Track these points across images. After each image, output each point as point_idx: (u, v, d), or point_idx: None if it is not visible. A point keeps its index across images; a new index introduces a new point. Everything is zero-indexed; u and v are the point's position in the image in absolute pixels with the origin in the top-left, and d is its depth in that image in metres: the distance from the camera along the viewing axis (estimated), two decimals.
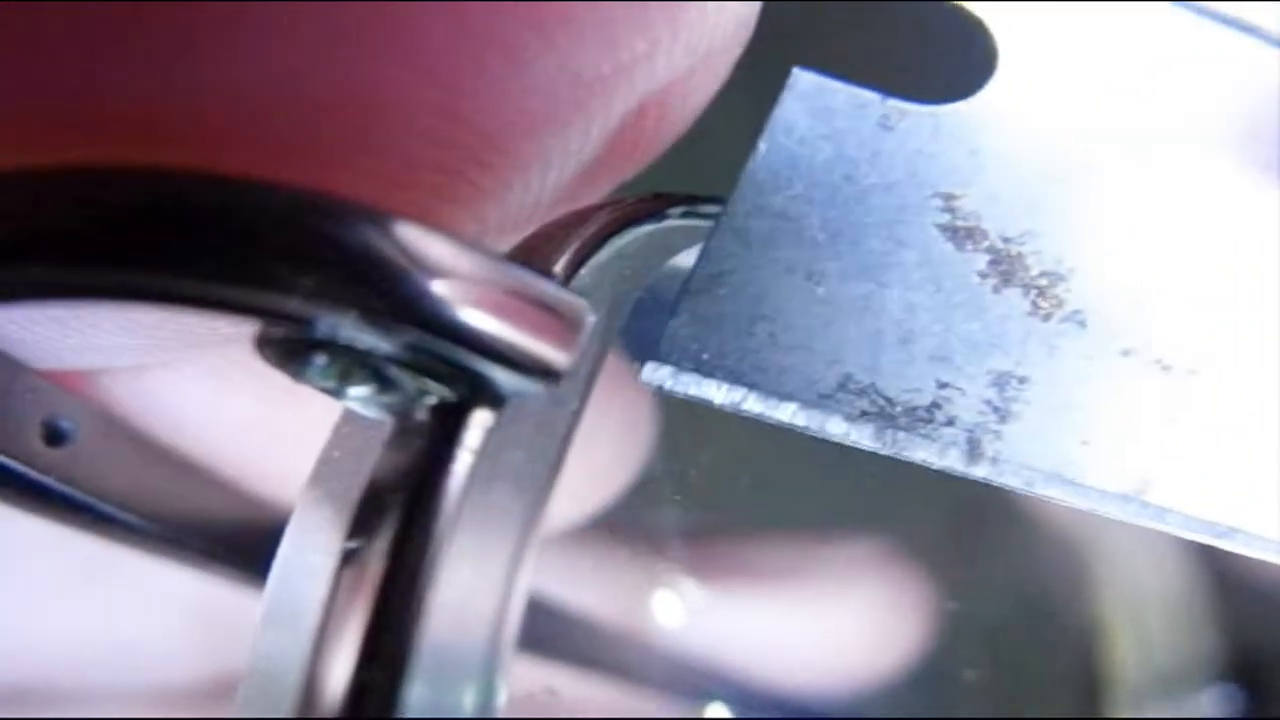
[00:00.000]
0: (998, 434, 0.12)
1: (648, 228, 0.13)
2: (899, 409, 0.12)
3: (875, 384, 0.12)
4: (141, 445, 0.14)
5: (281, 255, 0.09)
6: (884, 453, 0.12)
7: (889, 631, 0.19)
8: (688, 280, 0.12)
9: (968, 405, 0.12)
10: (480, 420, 0.10)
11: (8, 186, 0.09)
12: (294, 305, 0.09)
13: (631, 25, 0.11)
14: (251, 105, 0.10)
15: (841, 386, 0.12)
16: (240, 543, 0.15)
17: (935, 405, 0.12)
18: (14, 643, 0.16)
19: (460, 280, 0.10)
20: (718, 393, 0.12)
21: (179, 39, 0.10)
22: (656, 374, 0.12)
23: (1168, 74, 0.13)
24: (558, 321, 0.10)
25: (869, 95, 0.12)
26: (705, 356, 0.12)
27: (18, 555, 0.15)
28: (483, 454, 0.10)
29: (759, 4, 0.12)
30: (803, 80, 0.12)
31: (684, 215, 0.13)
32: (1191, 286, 0.12)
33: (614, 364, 0.12)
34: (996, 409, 0.12)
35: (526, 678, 0.17)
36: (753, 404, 0.12)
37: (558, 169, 0.11)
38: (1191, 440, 0.12)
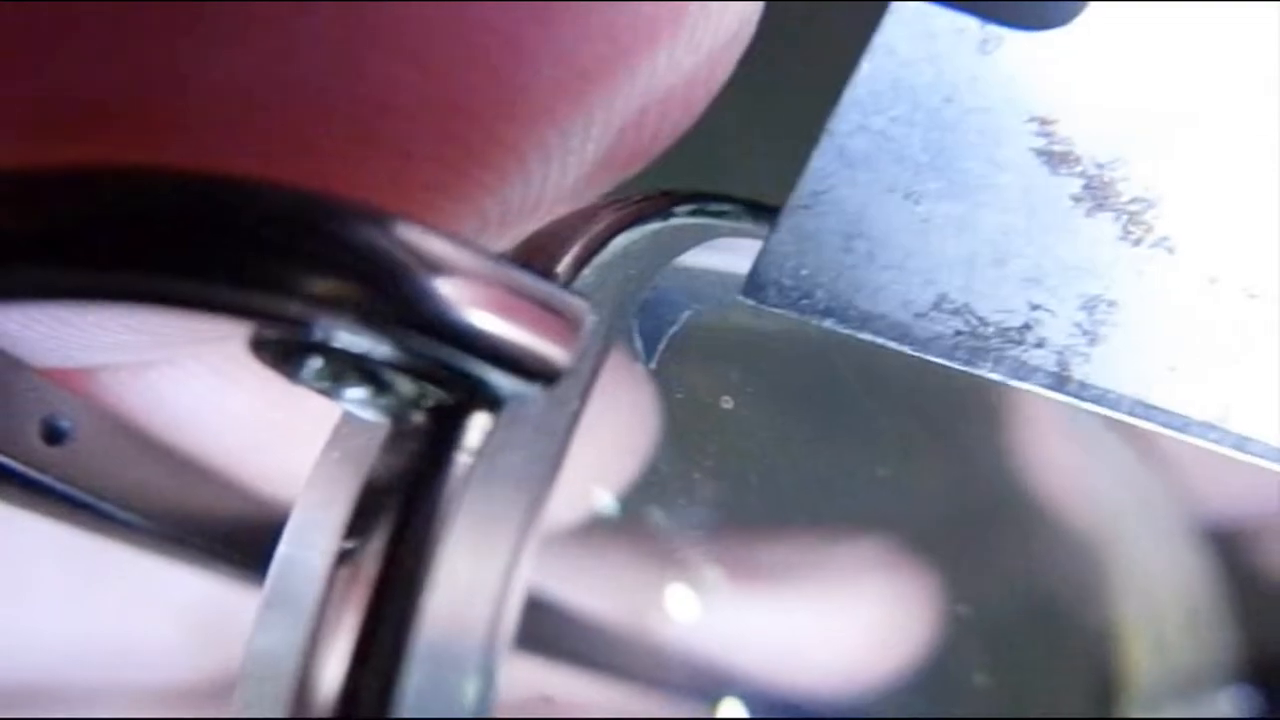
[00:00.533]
0: (1086, 357, 0.12)
1: (653, 226, 0.12)
2: (991, 329, 0.12)
3: (969, 304, 0.12)
4: (141, 443, 0.14)
5: (276, 257, 0.09)
6: (975, 372, 0.12)
7: (896, 631, 0.18)
8: (790, 199, 0.12)
9: (1058, 327, 0.12)
10: (478, 423, 0.10)
11: (6, 186, 0.09)
12: (288, 307, 0.09)
13: (634, 21, 0.11)
14: (249, 101, 0.10)
15: (936, 306, 0.12)
16: (240, 541, 0.15)
17: (1027, 326, 0.12)
18: (12, 642, 0.16)
19: (457, 281, 0.09)
20: (815, 310, 0.12)
21: (177, 37, 0.10)
22: (757, 292, 0.12)
23: (1263, 12, 0.13)
24: (557, 322, 0.10)
25: (969, 20, 0.12)
26: (804, 273, 0.12)
27: (16, 554, 0.15)
28: (480, 456, 0.10)
29: (763, 1, 0.12)
30: (904, 6, 0.12)
31: (691, 214, 0.13)
32: (1279, 217, 0.12)
33: (617, 362, 0.12)
34: (1086, 332, 0.12)
35: (531, 679, 0.17)
36: (850, 321, 0.12)
37: (559, 165, 0.11)
38: (1275, 370, 0.12)
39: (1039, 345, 0.12)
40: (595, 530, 0.17)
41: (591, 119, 0.11)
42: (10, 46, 0.10)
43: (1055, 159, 0.12)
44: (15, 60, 0.10)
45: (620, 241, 0.12)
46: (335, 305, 0.09)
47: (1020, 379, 0.12)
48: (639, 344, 0.14)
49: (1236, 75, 0.12)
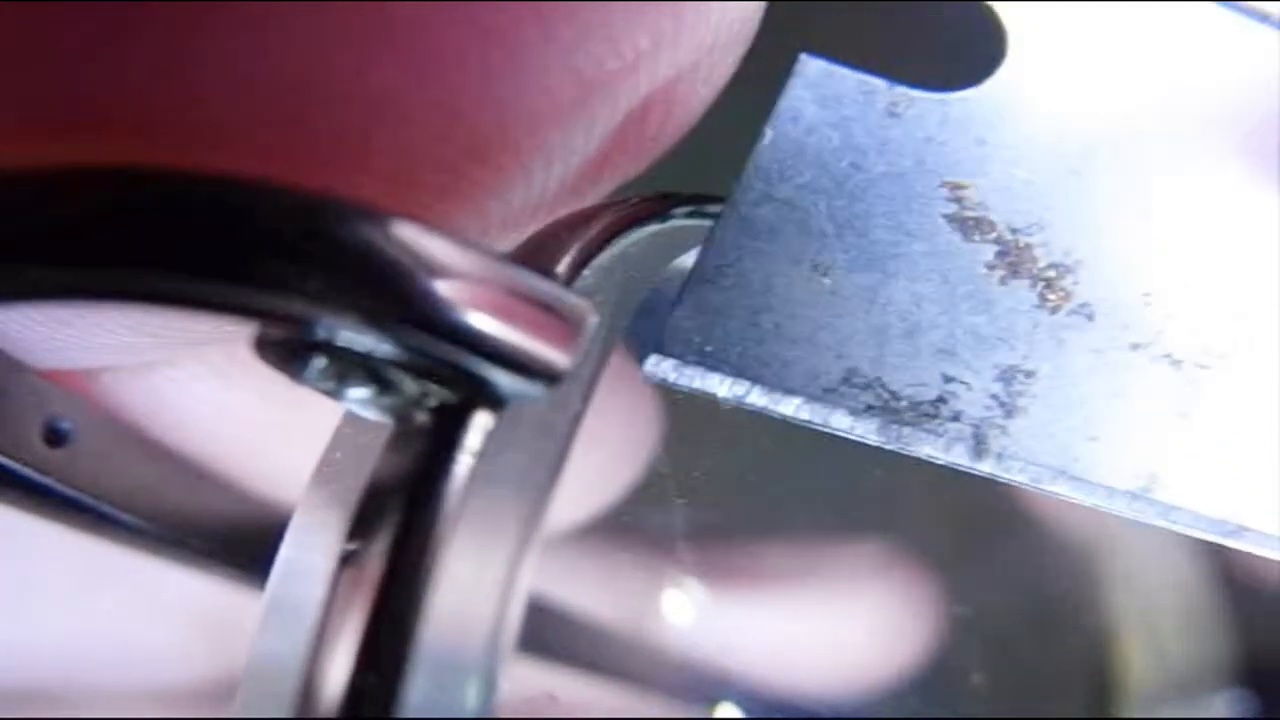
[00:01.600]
0: (1004, 429, 0.12)
1: (653, 228, 0.12)
2: (904, 403, 0.12)
3: (881, 378, 0.12)
4: (142, 445, 0.14)
5: (280, 257, 0.09)
6: (889, 447, 0.12)
7: (895, 634, 0.18)
8: (692, 270, 0.12)
9: (974, 400, 0.12)
10: (480, 423, 0.10)
11: (9, 186, 0.09)
12: (292, 307, 0.09)
13: (634, 21, 0.11)
14: (253, 103, 0.10)
15: (846, 380, 0.12)
16: (241, 543, 0.15)
17: (941, 400, 0.12)
18: (12, 642, 0.16)
19: (460, 282, 0.09)
20: (721, 386, 0.12)
21: (179, 38, 0.10)
22: (659, 367, 0.12)
23: (1177, 64, 0.12)
24: (559, 323, 0.10)
25: (877, 82, 0.12)
26: (709, 349, 0.12)
27: (18, 556, 0.15)
28: (483, 456, 0.10)
29: (764, 1, 0.12)
30: (810, 66, 0.12)
31: (689, 215, 0.13)
32: (1202, 280, 0.12)
33: (618, 364, 0.12)
34: (1003, 404, 0.12)
35: (531, 681, 0.17)
36: (757, 398, 0.12)
37: (561, 166, 0.11)
38: (1200, 436, 0.12)
39: (954, 419, 0.12)
40: (596, 532, 0.17)
41: (593, 120, 0.11)
42: (11, 46, 0.10)
43: (968, 224, 0.12)
44: (16, 60, 0.10)
45: (620, 243, 0.12)
46: (339, 304, 0.09)
47: (936, 453, 0.12)
48: (638, 345, 0.14)
49: (1154, 138, 0.12)
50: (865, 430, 0.12)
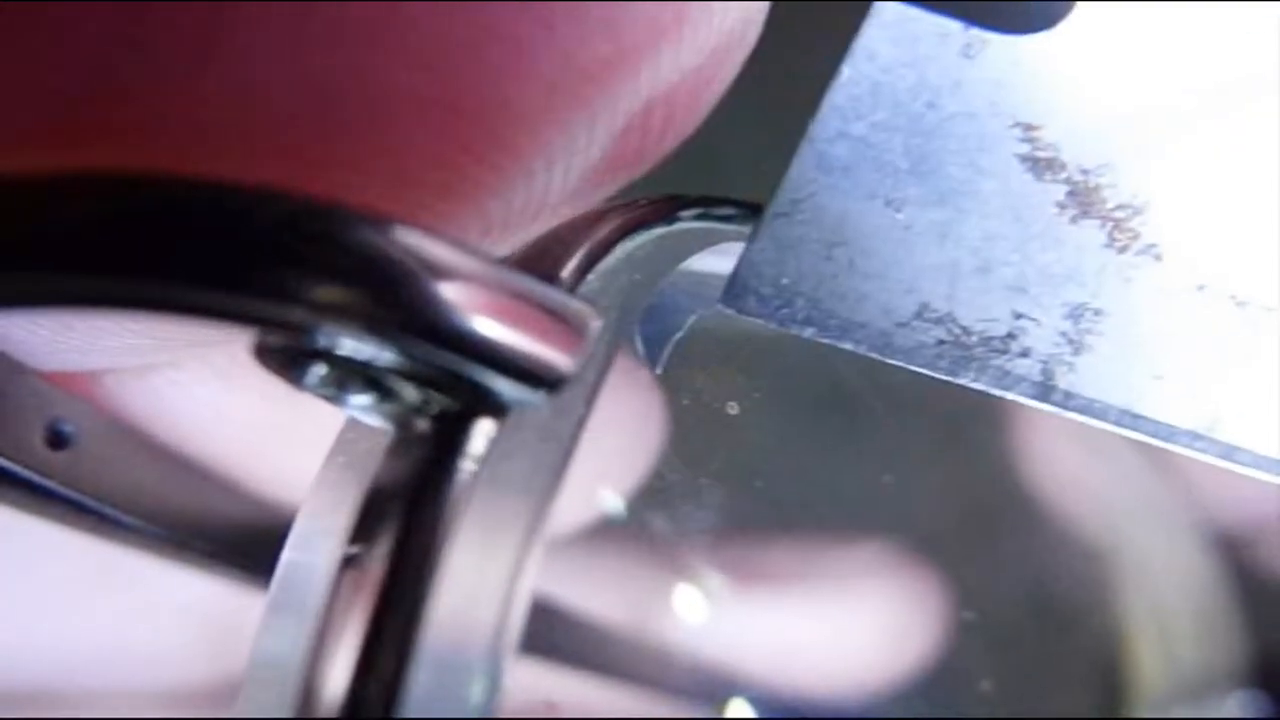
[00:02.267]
0: (1071, 366, 0.12)
1: (659, 231, 0.12)
2: (975, 338, 0.12)
3: (952, 313, 0.12)
4: (145, 447, 0.14)
5: (281, 263, 0.09)
6: (958, 381, 0.12)
7: (902, 636, 0.18)
8: (768, 205, 0.12)
9: (1043, 336, 0.12)
10: (482, 430, 0.10)
11: (10, 191, 0.09)
12: (293, 315, 0.09)
13: (636, 20, 0.11)
14: (250, 103, 0.10)
15: (919, 315, 0.12)
16: (244, 545, 0.15)
17: (1011, 335, 0.12)
18: (18, 645, 0.16)
19: (461, 289, 0.09)
20: (795, 319, 0.12)
21: (178, 41, 0.10)
22: (736, 301, 0.12)
23: (1250, 15, 0.12)
24: (561, 329, 0.10)
25: (952, 24, 0.12)
26: (784, 281, 0.12)
27: (21, 558, 0.15)
28: (485, 462, 0.10)
29: (768, 2, 0.12)
30: (886, 9, 0.12)
31: (696, 218, 0.13)
32: (1268, 222, 0.12)
33: (624, 367, 0.12)
34: (1071, 341, 0.12)
35: (536, 684, 0.17)
36: (831, 331, 0.12)
37: (563, 166, 0.11)
38: (1264, 378, 0.12)
39: (1023, 355, 0.12)
40: (602, 535, 0.17)
41: (595, 120, 0.11)
42: (14, 49, 0.10)
43: (1040, 165, 0.12)
44: (19, 63, 0.10)
45: (625, 246, 0.12)
46: (340, 312, 0.09)
47: (1004, 389, 0.12)
48: (644, 349, 0.13)
49: (1223, 79, 0.12)
50: (936, 365, 0.12)
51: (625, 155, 0.12)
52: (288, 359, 0.10)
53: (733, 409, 0.15)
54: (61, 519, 0.13)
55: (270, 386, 0.14)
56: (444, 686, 0.10)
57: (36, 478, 0.12)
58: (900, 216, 0.12)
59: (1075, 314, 0.12)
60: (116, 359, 0.13)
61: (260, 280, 0.09)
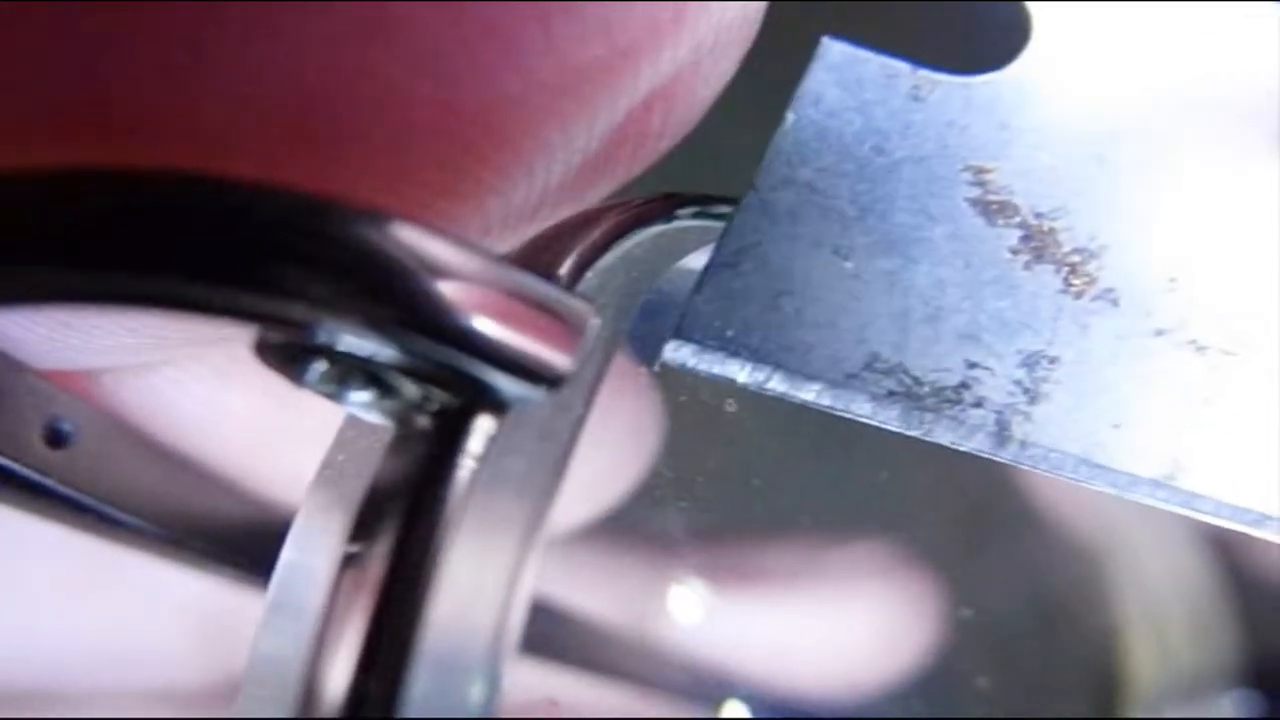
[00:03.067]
0: (1027, 415, 0.11)
1: (656, 229, 0.12)
2: (926, 389, 0.11)
3: (903, 363, 0.12)
4: (143, 446, 0.14)
5: (281, 260, 0.09)
6: (910, 434, 0.12)
7: (899, 634, 0.18)
8: (713, 255, 0.12)
9: (997, 386, 0.12)
10: (482, 427, 0.10)
11: (10, 187, 0.09)
12: (293, 311, 0.09)
13: (635, 19, 0.11)
14: (253, 102, 0.10)
15: (868, 365, 0.12)
16: (243, 544, 0.15)
17: (964, 385, 0.12)
18: (16, 644, 0.16)
19: (461, 286, 0.09)
20: (741, 372, 0.12)
21: (179, 40, 0.10)
22: (679, 352, 0.12)
23: (1204, 50, 0.12)
24: (560, 326, 0.10)
25: (900, 65, 0.12)
26: (729, 334, 0.11)
27: (20, 557, 0.15)
28: (484, 460, 0.10)
29: (765, 1, 0.12)
30: (832, 50, 0.12)
31: (694, 216, 0.13)
32: (1227, 267, 0.12)
33: (622, 365, 0.12)
34: (1026, 390, 0.12)
35: (534, 683, 0.17)
36: (777, 383, 0.12)
37: (562, 164, 0.11)
38: (1225, 424, 0.11)
39: (977, 405, 0.11)
40: (601, 533, 0.17)
41: (594, 118, 0.11)
42: (14, 47, 0.10)
43: (992, 209, 0.12)
44: (19, 60, 0.10)
45: (623, 244, 0.12)
46: (340, 308, 0.09)
47: (958, 440, 0.11)
48: (641, 347, 0.13)
49: (1179, 124, 0.12)
50: (887, 417, 0.12)
51: (624, 153, 0.12)
52: (288, 356, 0.10)
53: (730, 406, 0.15)
54: (60, 517, 0.13)
55: (269, 385, 0.14)
56: (443, 685, 0.10)
57: (35, 476, 0.12)
58: (848, 265, 0.12)
59: (1030, 362, 0.12)
60: (115, 357, 0.13)
61: (261, 276, 0.09)
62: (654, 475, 0.16)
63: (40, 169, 0.09)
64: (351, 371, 0.10)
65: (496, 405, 0.10)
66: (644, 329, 0.13)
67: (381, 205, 0.10)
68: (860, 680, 0.19)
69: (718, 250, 0.12)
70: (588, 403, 0.11)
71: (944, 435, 0.12)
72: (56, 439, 0.13)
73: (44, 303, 0.09)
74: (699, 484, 0.16)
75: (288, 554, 0.11)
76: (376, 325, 0.09)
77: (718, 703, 0.18)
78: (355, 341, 0.09)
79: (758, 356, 0.11)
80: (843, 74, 0.12)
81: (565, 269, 0.11)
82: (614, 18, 0.10)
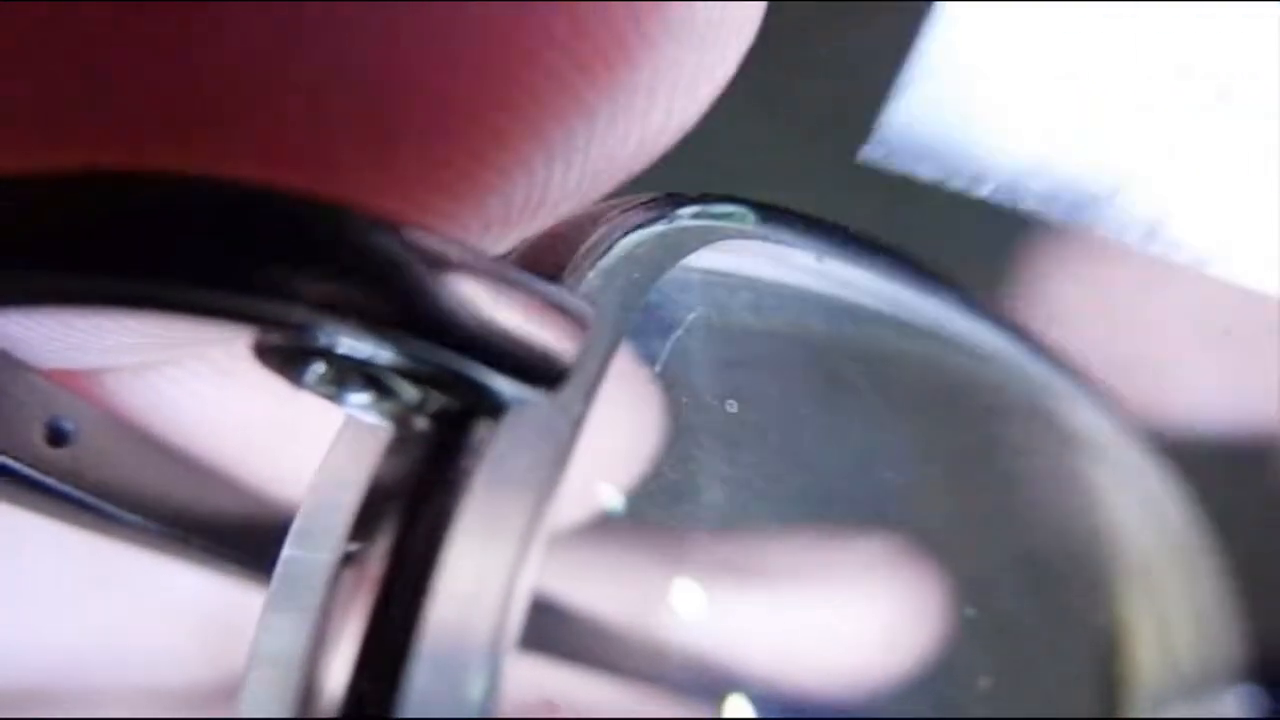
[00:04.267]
0: (1178, 218, 0.12)
1: (658, 228, 0.12)
2: (1084, 188, 0.12)
3: (1066, 164, 0.12)
4: (145, 445, 0.14)
5: (278, 262, 0.09)
6: (1071, 228, 0.12)
7: (902, 633, 0.18)
8: (909, 60, 0.12)
9: (1148, 191, 0.12)
10: (481, 428, 0.10)
11: (7, 189, 0.09)
12: (291, 313, 0.09)
13: (634, 18, 0.11)
14: (246, 98, 0.10)
15: (1039, 165, 0.12)
16: (245, 542, 0.15)
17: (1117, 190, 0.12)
18: (17, 643, 0.16)
19: (460, 286, 0.09)
20: (930, 169, 0.12)
21: (173, 36, 0.10)
22: (875, 152, 0.12)
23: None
24: (561, 327, 0.10)
25: None
26: (919, 138, 0.12)
27: (20, 556, 0.15)
28: (484, 460, 0.10)
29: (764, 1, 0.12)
30: None
31: (696, 216, 0.13)
32: None
33: (623, 365, 0.12)
34: (1177, 191, 0.12)
35: (536, 681, 0.17)
36: (960, 180, 0.12)
37: (564, 162, 0.11)
38: None
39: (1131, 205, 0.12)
40: (601, 532, 0.17)
41: (594, 116, 0.11)
42: (12, 48, 0.10)
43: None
44: (15, 61, 0.10)
45: (625, 244, 0.12)
46: (339, 310, 0.09)
47: (1114, 233, 0.12)
48: (643, 347, 0.13)
49: None
50: (1055, 209, 0.12)
51: (624, 152, 0.12)
52: (286, 357, 0.10)
53: (732, 407, 0.15)
54: (61, 516, 0.13)
55: (271, 383, 0.14)
56: (444, 685, 0.10)
57: (36, 475, 0.12)
58: (1031, 76, 0.12)
59: (1180, 168, 0.12)
60: (117, 356, 0.13)
61: (258, 279, 0.09)
62: (655, 475, 0.16)
63: (37, 171, 0.09)
64: (350, 373, 0.10)
65: (496, 407, 0.10)
66: (646, 329, 0.13)
67: (380, 204, 0.10)
68: (863, 677, 0.18)
69: (915, 55, 0.12)
70: (588, 403, 0.11)
71: (1101, 227, 0.12)
72: (58, 438, 0.13)
73: (40, 305, 0.09)
74: (700, 483, 0.16)
75: (288, 552, 0.11)
76: (374, 327, 0.09)
77: (719, 700, 0.18)
78: (354, 343, 0.09)
79: (946, 156, 0.12)
80: None
81: (566, 269, 0.11)
82: (614, 17, 0.10)
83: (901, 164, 0.12)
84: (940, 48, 0.12)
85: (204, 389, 0.14)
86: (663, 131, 0.12)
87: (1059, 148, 0.12)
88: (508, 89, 0.10)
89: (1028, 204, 0.12)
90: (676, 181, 0.13)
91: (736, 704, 0.18)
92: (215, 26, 0.10)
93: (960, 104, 0.12)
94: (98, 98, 0.10)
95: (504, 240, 0.12)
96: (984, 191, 0.12)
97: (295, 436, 0.14)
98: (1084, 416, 0.19)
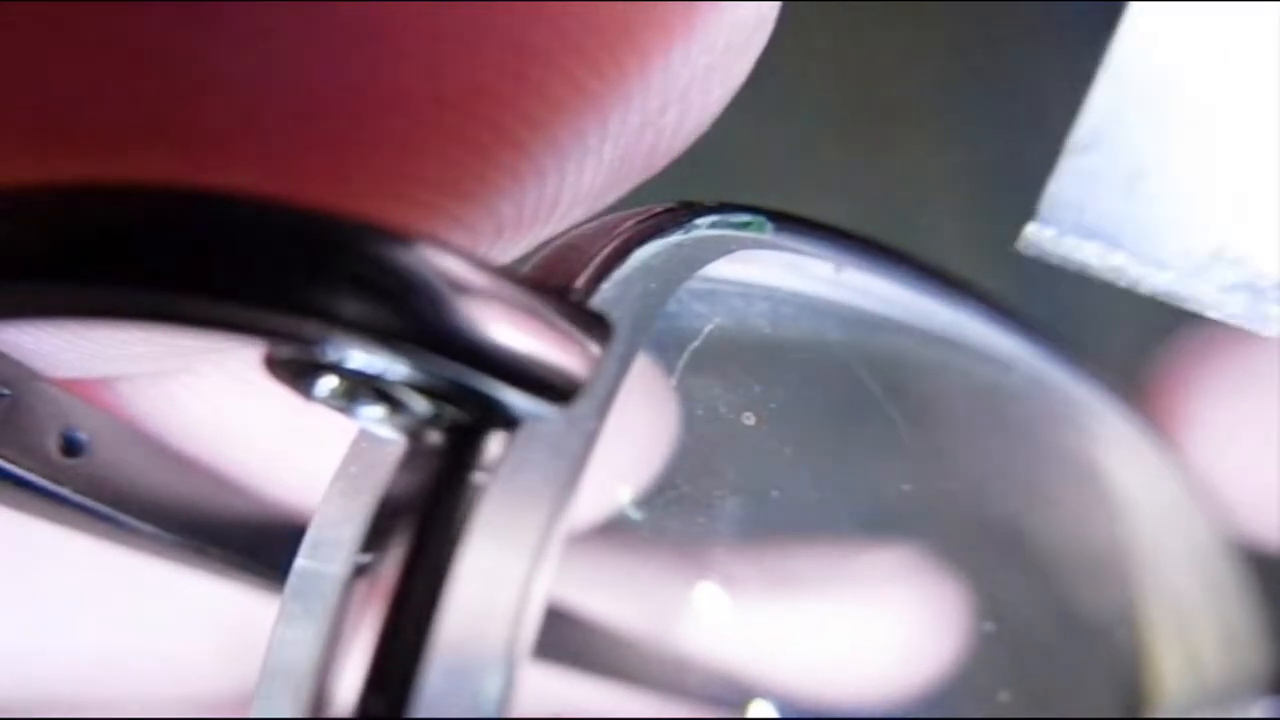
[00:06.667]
0: None
1: (674, 238, 0.12)
2: (1269, 281, 0.11)
3: (1248, 254, 0.11)
4: (160, 454, 0.14)
5: (290, 276, 0.09)
6: (1251, 328, 0.11)
7: (921, 645, 0.18)
8: (1070, 137, 0.12)
9: None
10: (494, 442, 0.10)
11: (16, 203, 0.09)
12: (302, 328, 0.09)
13: (648, 18, 0.10)
14: (251, 105, 0.10)
15: (1216, 255, 0.11)
16: (260, 551, 0.15)
17: None
18: (32, 652, 0.16)
19: (472, 300, 0.09)
20: (1096, 255, 0.11)
21: (178, 45, 0.09)
22: (1039, 235, 0.11)
23: None
24: (574, 341, 0.10)
25: None
26: (1086, 218, 0.11)
27: (36, 566, 0.15)
28: (496, 475, 0.10)
29: (779, 2, 0.12)
30: None
31: (712, 225, 0.13)
32: None
33: (638, 376, 0.12)
34: None
35: (550, 693, 0.17)
36: (1131, 269, 0.11)
37: (576, 166, 0.11)
38: None
39: None
40: (617, 542, 0.16)
41: (606, 119, 0.11)
42: (17, 60, 0.10)
43: None
44: (22, 75, 0.10)
45: (641, 254, 0.12)
46: (351, 325, 0.09)
47: None
48: (659, 358, 0.13)
49: None
50: (1231, 310, 0.11)
51: (638, 155, 0.12)
52: (297, 371, 0.10)
53: (748, 419, 0.15)
54: (76, 526, 0.13)
55: (287, 391, 0.14)
56: (456, 698, 0.10)
57: (51, 485, 0.12)
58: (1201, 149, 0.11)
59: None
60: (131, 365, 0.13)
61: (270, 293, 0.09)
62: (671, 487, 0.16)
63: (43, 184, 0.09)
64: (362, 387, 0.10)
65: (509, 421, 0.10)
66: (661, 340, 0.13)
67: (392, 209, 0.10)
68: (881, 691, 0.18)
69: (1074, 133, 0.12)
70: (602, 416, 0.11)
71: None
72: (72, 448, 0.13)
73: (52, 318, 0.09)
74: (716, 495, 0.16)
75: (300, 563, 0.11)
76: (386, 341, 0.09)
77: (736, 711, 0.18)
78: (366, 358, 0.09)
79: (1113, 241, 0.11)
80: None
81: (582, 280, 0.11)
82: (627, 20, 0.10)
83: (1067, 249, 0.11)
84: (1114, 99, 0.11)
85: (219, 397, 0.14)
86: (677, 133, 0.12)
87: (1249, 232, 0.11)
88: (518, 90, 0.10)
89: (1201, 299, 0.11)
90: (692, 190, 0.13)
91: (758, 708, 0.18)
92: (214, 31, 0.10)
93: (1137, 175, 0.11)
94: (99, 109, 0.10)
95: (518, 245, 0.12)
96: (1158, 285, 0.11)
97: (311, 444, 0.14)
98: (1107, 426, 0.19)
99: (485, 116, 0.10)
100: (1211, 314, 0.11)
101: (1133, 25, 0.12)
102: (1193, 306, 0.11)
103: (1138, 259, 0.11)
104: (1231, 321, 0.11)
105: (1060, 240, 0.11)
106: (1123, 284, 0.11)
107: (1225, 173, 0.11)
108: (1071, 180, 0.11)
